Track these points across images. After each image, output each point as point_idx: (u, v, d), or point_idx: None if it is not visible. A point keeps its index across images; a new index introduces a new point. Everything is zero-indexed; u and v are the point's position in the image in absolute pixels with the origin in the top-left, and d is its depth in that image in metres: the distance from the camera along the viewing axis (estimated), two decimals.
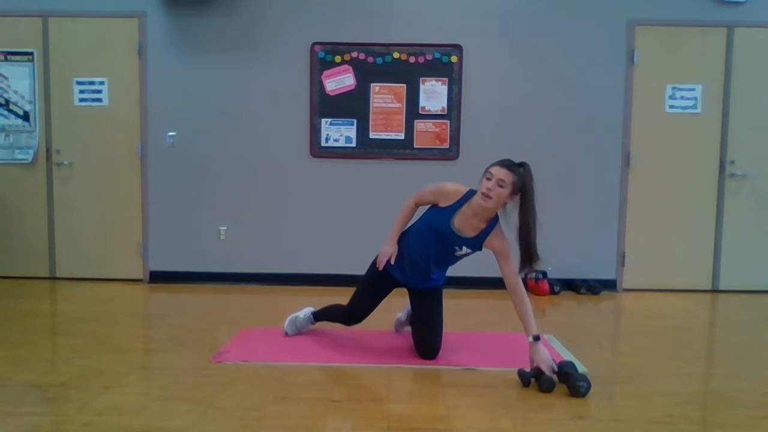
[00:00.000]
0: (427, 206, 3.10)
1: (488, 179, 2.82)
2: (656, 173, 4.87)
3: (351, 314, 3.26)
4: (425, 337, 3.13)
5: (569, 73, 4.82)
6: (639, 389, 2.75)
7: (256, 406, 2.49)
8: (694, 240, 4.90)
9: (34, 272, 4.99)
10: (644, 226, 4.89)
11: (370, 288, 3.22)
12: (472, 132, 4.85)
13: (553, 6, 4.79)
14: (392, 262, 3.10)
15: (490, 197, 2.80)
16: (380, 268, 3.11)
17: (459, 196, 2.96)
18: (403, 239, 3.14)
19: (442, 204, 2.99)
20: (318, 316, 3.44)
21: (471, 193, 2.94)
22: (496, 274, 4.99)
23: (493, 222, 2.95)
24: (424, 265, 3.10)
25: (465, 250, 3.01)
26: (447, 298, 4.54)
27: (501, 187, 2.79)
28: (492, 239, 2.95)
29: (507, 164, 2.85)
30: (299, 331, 3.46)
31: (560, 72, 4.82)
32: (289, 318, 3.46)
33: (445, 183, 3.05)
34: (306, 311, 3.48)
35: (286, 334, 3.43)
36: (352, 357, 3.11)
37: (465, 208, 2.94)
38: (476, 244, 2.98)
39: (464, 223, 2.94)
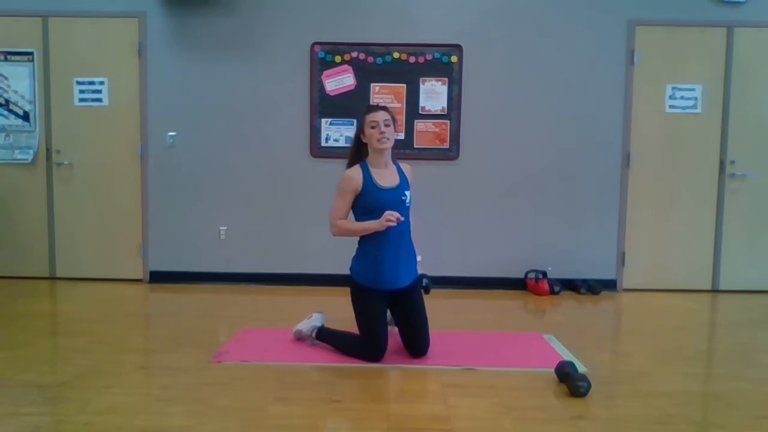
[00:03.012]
0: (351, 211, 3.11)
1: (374, 127, 3.04)
2: (656, 173, 4.87)
3: (371, 345, 3.03)
4: (417, 337, 3.12)
5: (569, 73, 4.82)
6: (639, 389, 2.75)
7: (256, 406, 2.49)
8: (694, 240, 4.90)
9: (34, 272, 4.99)
10: (644, 226, 4.89)
11: (374, 313, 3.06)
12: (472, 132, 4.85)
13: (553, 6, 4.79)
14: (399, 218, 2.96)
15: (388, 138, 3.05)
16: (395, 223, 2.94)
17: (359, 169, 3.07)
18: (371, 248, 3.05)
19: (357, 186, 3.04)
20: (322, 338, 3.28)
21: (362, 160, 3.12)
22: (496, 274, 5.02)
23: (395, 160, 3.21)
24: (406, 241, 3.10)
25: (407, 194, 3.14)
26: (447, 298, 4.57)
27: (388, 126, 3.06)
28: (408, 171, 3.21)
29: (378, 107, 3.13)
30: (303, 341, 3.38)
31: (560, 72, 4.82)
32: (293, 332, 3.36)
33: (340, 179, 3.09)
34: (308, 327, 3.31)
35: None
36: (352, 357, 3.10)
37: (372, 169, 3.09)
38: (406, 183, 3.16)
39: (384, 177, 3.09)
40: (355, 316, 3.15)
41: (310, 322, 3.33)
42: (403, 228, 3.07)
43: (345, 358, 3.09)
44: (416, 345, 3.11)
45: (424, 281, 3.08)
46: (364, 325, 3.08)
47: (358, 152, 3.16)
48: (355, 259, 3.15)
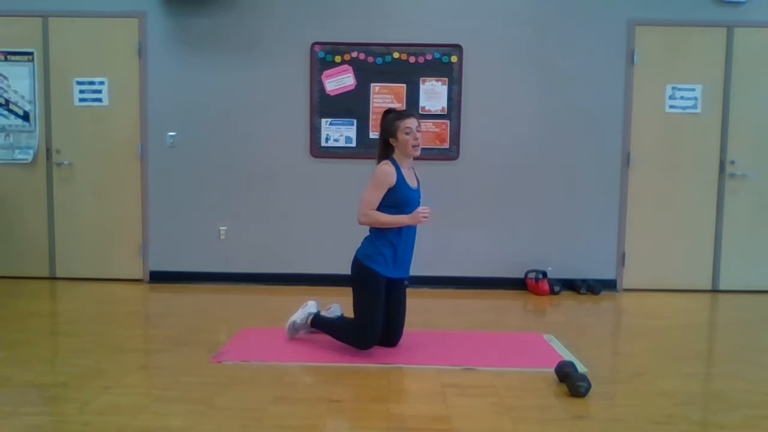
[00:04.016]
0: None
1: (408, 133, 3.11)
2: (656, 173, 4.87)
3: (369, 331, 3.11)
4: (397, 327, 3.25)
5: (569, 73, 4.82)
6: (639, 389, 2.75)
7: (256, 406, 2.49)
8: (694, 240, 4.90)
9: (34, 272, 4.99)
10: (644, 226, 4.89)
11: (378, 301, 3.12)
12: (472, 132, 4.85)
13: (553, 6, 4.79)
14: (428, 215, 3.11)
15: (419, 145, 3.17)
16: (427, 219, 3.11)
17: (392, 165, 3.13)
18: (392, 237, 3.13)
19: (393, 182, 3.10)
20: (316, 325, 3.35)
21: (390, 157, 3.18)
22: (496, 274, 5.02)
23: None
24: (415, 236, 3.25)
25: (421, 196, 3.29)
26: (447, 298, 4.58)
27: (419, 131, 3.17)
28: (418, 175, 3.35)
29: (411, 113, 3.22)
30: (297, 334, 3.43)
31: (560, 72, 4.82)
32: (287, 324, 3.39)
33: (374, 175, 3.14)
34: (302, 317, 3.37)
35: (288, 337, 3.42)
36: (352, 357, 3.11)
37: (403, 170, 3.16)
38: (419, 186, 3.30)
39: (409, 178, 3.22)
40: (355, 302, 3.18)
41: (306, 309, 3.40)
42: (415, 229, 3.25)
43: (345, 357, 3.09)
44: (394, 335, 3.25)
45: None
46: (366, 311, 3.12)
47: (385, 152, 3.22)
48: (368, 246, 3.17)
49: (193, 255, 4.94)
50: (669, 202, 4.89)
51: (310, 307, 3.41)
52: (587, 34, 4.81)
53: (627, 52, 4.81)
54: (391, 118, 3.18)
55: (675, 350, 3.36)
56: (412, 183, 3.21)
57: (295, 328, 3.39)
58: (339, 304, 3.50)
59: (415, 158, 3.23)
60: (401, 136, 3.12)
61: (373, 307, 3.11)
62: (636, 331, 3.82)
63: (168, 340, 3.40)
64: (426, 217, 3.10)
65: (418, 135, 3.14)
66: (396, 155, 3.18)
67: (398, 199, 3.12)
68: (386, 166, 3.12)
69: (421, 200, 3.27)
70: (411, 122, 3.13)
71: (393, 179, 3.10)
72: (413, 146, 3.13)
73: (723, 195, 4.88)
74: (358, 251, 3.20)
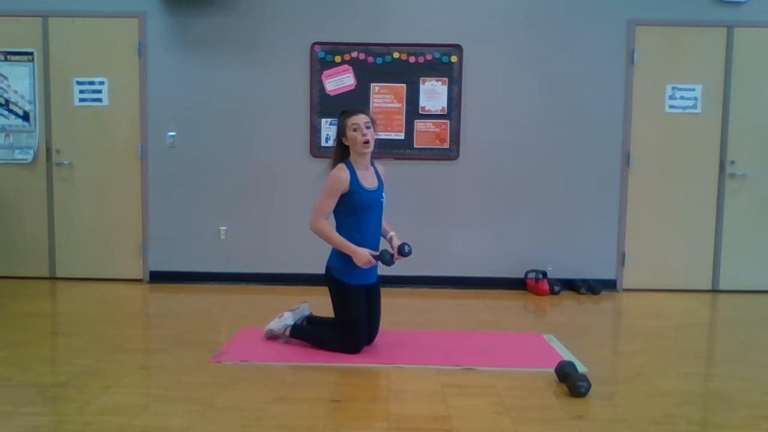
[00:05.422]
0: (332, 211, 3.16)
1: (356, 130, 3.07)
2: (656, 173, 4.87)
3: (354, 338, 3.14)
4: (373, 326, 3.25)
5: (569, 73, 4.81)
6: (639, 389, 2.75)
7: (256, 406, 2.49)
8: (694, 240, 4.90)
9: (34, 272, 4.99)
10: (644, 226, 4.89)
11: (359, 307, 3.15)
12: (472, 132, 4.85)
13: (553, 6, 4.79)
14: (373, 259, 3.09)
15: (370, 141, 3.09)
16: (373, 263, 3.09)
17: (346, 169, 3.10)
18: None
19: (346, 187, 3.07)
20: (297, 335, 3.33)
21: (346, 160, 3.16)
22: (496, 274, 5.02)
23: (372, 161, 3.25)
24: (377, 244, 3.19)
25: (384, 196, 3.24)
26: (447, 298, 4.58)
27: (369, 128, 3.10)
28: (382, 173, 3.30)
29: (358, 110, 3.17)
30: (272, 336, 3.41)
31: (560, 72, 4.81)
32: (265, 330, 3.39)
33: (327, 179, 3.12)
34: (279, 326, 3.35)
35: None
36: (352, 357, 3.11)
37: (357, 171, 3.12)
38: (383, 185, 3.25)
39: (367, 179, 3.16)
40: (335, 312, 3.23)
41: (282, 320, 3.37)
42: (378, 229, 3.23)
43: (345, 357, 3.09)
44: (371, 334, 3.25)
45: (407, 248, 3.14)
46: (348, 320, 3.16)
47: (341, 154, 3.20)
48: (335, 257, 3.19)
49: (193, 255, 4.94)
50: (669, 202, 4.88)
51: (286, 319, 3.38)
52: (587, 34, 4.81)
53: (627, 52, 4.81)
54: (341, 117, 3.16)
55: (675, 350, 3.37)
56: (370, 184, 3.15)
57: (272, 335, 3.39)
58: (308, 303, 3.53)
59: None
60: (350, 133, 3.09)
61: (356, 314, 3.15)
62: (636, 331, 3.82)
63: (168, 340, 3.40)
64: (372, 263, 3.07)
65: (367, 131, 3.07)
66: (351, 156, 3.15)
67: (354, 204, 3.10)
68: (338, 172, 3.09)
69: (384, 198, 3.23)
70: (358, 119, 3.08)
71: (345, 185, 3.07)
72: (362, 143, 3.07)
73: (723, 195, 4.88)
74: (328, 262, 3.22)
